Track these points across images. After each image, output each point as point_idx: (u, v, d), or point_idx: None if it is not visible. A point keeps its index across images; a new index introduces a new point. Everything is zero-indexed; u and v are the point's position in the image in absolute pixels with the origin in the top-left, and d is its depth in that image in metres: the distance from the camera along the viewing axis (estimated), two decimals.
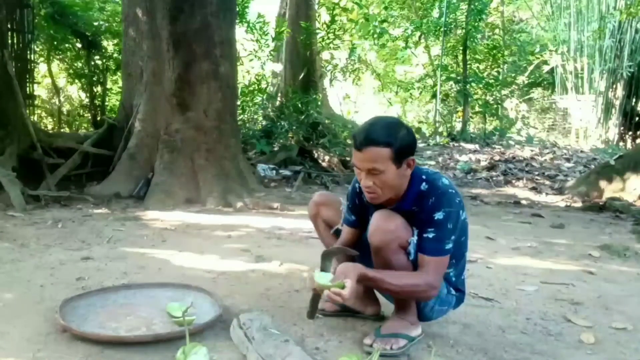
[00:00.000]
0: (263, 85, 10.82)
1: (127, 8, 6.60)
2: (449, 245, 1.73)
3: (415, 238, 1.76)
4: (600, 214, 5.60)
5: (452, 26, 12.67)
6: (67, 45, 9.52)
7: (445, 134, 12.28)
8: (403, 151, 1.69)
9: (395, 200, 1.81)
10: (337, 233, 2.09)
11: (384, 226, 1.74)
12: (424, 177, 1.79)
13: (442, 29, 12.05)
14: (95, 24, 9.17)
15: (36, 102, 8.59)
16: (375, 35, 12.65)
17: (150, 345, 1.78)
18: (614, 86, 12.30)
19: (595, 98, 12.35)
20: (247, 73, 10.90)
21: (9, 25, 6.45)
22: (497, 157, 9.42)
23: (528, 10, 15.76)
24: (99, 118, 8.89)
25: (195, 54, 5.45)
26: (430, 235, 1.72)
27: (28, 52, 7.08)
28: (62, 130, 10.08)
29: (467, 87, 12.24)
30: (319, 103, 10.84)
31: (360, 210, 1.97)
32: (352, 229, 2.00)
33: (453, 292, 1.91)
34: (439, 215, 1.71)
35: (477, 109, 13.45)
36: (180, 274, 2.71)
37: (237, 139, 6.21)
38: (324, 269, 1.77)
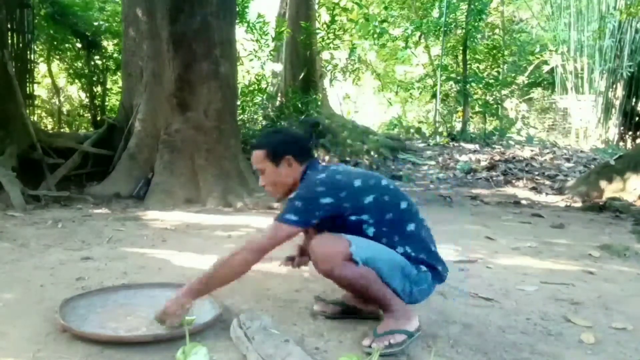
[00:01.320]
0: (263, 85, 10.82)
1: (127, 8, 6.60)
2: (289, 215, 1.84)
3: (353, 247, 1.79)
4: (600, 214, 5.60)
5: (452, 26, 12.67)
6: (67, 45, 9.53)
7: (445, 134, 12.28)
8: (277, 151, 1.99)
9: (285, 195, 2.05)
10: None
11: (320, 253, 1.82)
12: (308, 172, 2.00)
13: (442, 29, 12.05)
14: (95, 24, 9.17)
15: (36, 102, 8.59)
16: (375, 35, 12.65)
17: (150, 345, 1.78)
18: (614, 86, 12.30)
19: (595, 98, 12.34)
20: (247, 73, 10.90)
21: (9, 25, 6.46)
22: (497, 157, 9.42)
23: (528, 10, 15.76)
24: (99, 118, 8.90)
25: (195, 54, 5.46)
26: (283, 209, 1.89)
27: (28, 52, 7.08)
28: (62, 130, 10.09)
29: (467, 87, 12.23)
30: (319, 103, 10.85)
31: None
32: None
33: (424, 268, 1.91)
34: (291, 195, 1.92)
35: (477, 109, 13.45)
36: (180, 274, 2.71)
37: (237, 139, 6.21)
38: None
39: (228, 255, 1.89)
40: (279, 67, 12.05)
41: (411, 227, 1.94)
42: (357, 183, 1.90)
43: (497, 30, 15.48)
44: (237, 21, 7.69)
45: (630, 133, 12.42)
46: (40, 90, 10.89)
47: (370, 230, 1.89)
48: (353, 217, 1.88)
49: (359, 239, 1.83)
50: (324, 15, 12.88)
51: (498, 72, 14.24)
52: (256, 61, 10.88)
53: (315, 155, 8.58)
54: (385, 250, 1.86)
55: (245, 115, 10.28)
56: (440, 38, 12.39)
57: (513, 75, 15.11)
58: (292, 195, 1.92)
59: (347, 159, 8.56)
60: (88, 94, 9.45)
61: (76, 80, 10.03)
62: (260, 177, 2.07)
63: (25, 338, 1.84)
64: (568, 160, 9.39)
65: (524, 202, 6.40)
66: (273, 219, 1.92)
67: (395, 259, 1.86)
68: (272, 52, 11.10)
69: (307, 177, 1.97)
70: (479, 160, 9.30)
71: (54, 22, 8.40)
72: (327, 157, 8.42)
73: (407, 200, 1.97)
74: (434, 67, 13.42)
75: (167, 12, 5.45)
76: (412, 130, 13.68)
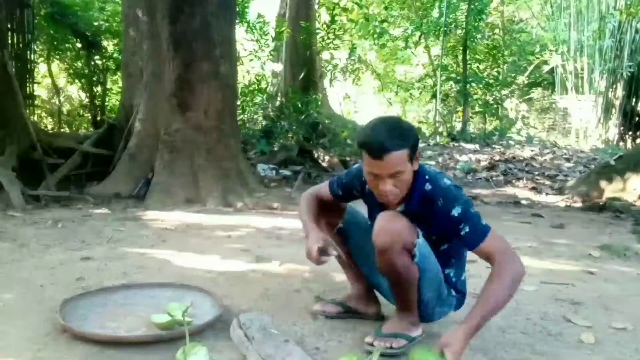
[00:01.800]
0: (263, 85, 10.83)
1: (127, 8, 6.60)
2: (484, 222, 1.69)
3: (420, 240, 1.75)
4: (600, 214, 5.60)
5: (452, 26, 12.66)
6: (67, 45, 9.54)
7: (445, 134, 12.28)
8: (415, 147, 1.70)
9: (401, 201, 1.80)
10: (340, 232, 2.09)
11: (389, 227, 1.72)
12: (427, 177, 1.78)
13: (442, 29, 12.05)
14: (95, 24, 9.17)
15: (36, 102, 8.60)
16: (375, 35, 12.66)
17: (150, 345, 1.78)
18: (614, 86, 12.29)
19: (595, 98, 12.34)
20: (247, 73, 10.90)
21: (9, 25, 6.46)
22: (497, 157, 9.41)
23: (528, 10, 15.75)
24: (99, 118, 8.90)
25: (195, 54, 5.45)
26: (467, 229, 1.68)
27: (28, 52, 7.09)
28: (62, 130, 10.09)
29: (467, 87, 12.23)
30: (319, 103, 10.84)
31: (356, 196, 1.98)
32: (332, 196, 2.01)
33: (454, 293, 1.92)
34: (457, 210, 1.68)
35: (477, 109, 13.44)
36: (180, 274, 2.71)
37: (237, 139, 6.21)
38: None
39: (500, 279, 1.61)
40: (279, 67, 12.05)
41: (466, 252, 1.93)
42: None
43: (497, 30, 15.47)
44: (237, 21, 7.68)
45: (630, 133, 12.41)
46: (40, 90, 10.89)
47: (445, 246, 1.84)
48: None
49: (424, 240, 1.78)
50: (324, 15, 12.88)
51: (498, 72, 14.23)
52: (256, 61, 10.90)
53: (316, 155, 8.49)
54: (436, 263, 1.83)
55: (245, 115, 10.28)
56: (440, 38, 12.39)
57: (513, 75, 15.10)
58: (459, 209, 1.68)
59: (347, 159, 8.56)
60: (88, 94, 9.45)
61: (76, 80, 10.04)
62: (385, 183, 1.68)
63: (25, 338, 1.84)
64: (568, 160, 9.39)
65: (524, 202, 6.40)
66: (478, 244, 1.66)
67: (438, 275, 1.85)
68: (272, 52, 11.11)
69: (434, 182, 1.74)
70: (479, 160, 9.29)
71: (54, 22, 8.41)
72: (327, 157, 8.41)
73: None
74: (434, 67, 13.42)
75: (167, 12, 5.44)
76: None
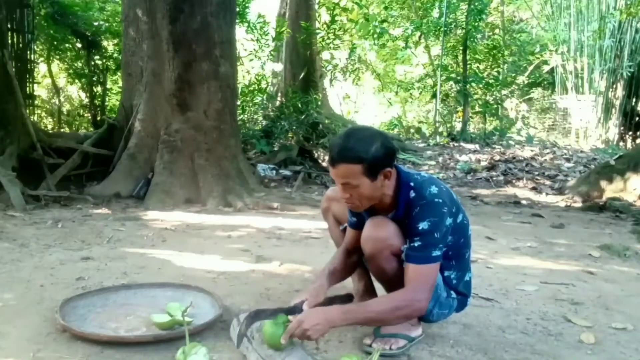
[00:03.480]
0: (263, 85, 10.83)
1: (127, 8, 6.59)
2: (437, 253, 1.70)
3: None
4: (600, 214, 5.60)
5: (452, 26, 12.67)
6: (67, 45, 9.53)
7: (445, 134, 12.28)
8: (376, 165, 1.67)
9: (390, 207, 1.81)
10: (345, 230, 2.10)
11: (375, 234, 1.75)
12: (412, 184, 1.76)
13: (442, 29, 12.05)
14: (95, 24, 9.16)
15: (36, 102, 8.59)
16: (375, 35, 12.66)
17: (150, 345, 1.78)
18: (614, 86, 12.30)
19: (595, 98, 12.34)
20: (247, 73, 10.91)
21: (9, 25, 6.45)
22: (497, 157, 9.41)
23: (528, 10, 15.76)
24: (99, 118, 8.89)
25: (195, 54, 5.45)
26: (416, 244, 1.70)
27: (28, 52, 7.08)
28: (62, 130, 10.08)
29: (467, 87, 12.23)
30: (319, 103, 10.84)
31: (359, 213, 1.97)
32: (355, 230, 1.98)
33: (454, 295, 1.91)
34: (423, 225, 1.69)
35: (477, 109, 13.44)
36: (180, 274, 2.71)
37: (237, 139, 6.21)
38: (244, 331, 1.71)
39: (398, 299, 1.70)
40: (279, 67, 12.05)
41: (468, 254, 1.93)
42: (457, 198, 1.84)
43: (497, 30, 15.47)
44: (237, 21, 7.68)
45: (630, 133, 12.42)
46: (40, 90, 10.89)
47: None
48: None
49: None
50: (324, 15, 12.88)
51: (498, 72, 14.23)
52: (256, 61, 10.89)
53: (316, 155, 8.48)
54: None
55: (245, 115, 10.28)
56: (440, 38, 12.39)
57: (513, 75, 15.10)
58: (426, 225, 1.69)
59: None
60: (88, 94, 9.44)
61: (76, 80, 10.03)
62: (341, 190, 1.74)
63: (25, 338, 1.84)
64: (568, 160, 9.39)
65: (524, 202, 6.40)
66: (411, 262, 1.70)
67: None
68: (272, 52, 11.11)
69: (418, 191, 1.74)
70: (479, 160, 9.30)
71: (54, 22, 8.40)
72: (327, 157, 8.41)
73: (469, 223, 1.92)
74: (434, 67, 13.42)
75: (167, 12, 5.44)
76: (412, 130, 13.69)
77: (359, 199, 1.74)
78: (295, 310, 1.77)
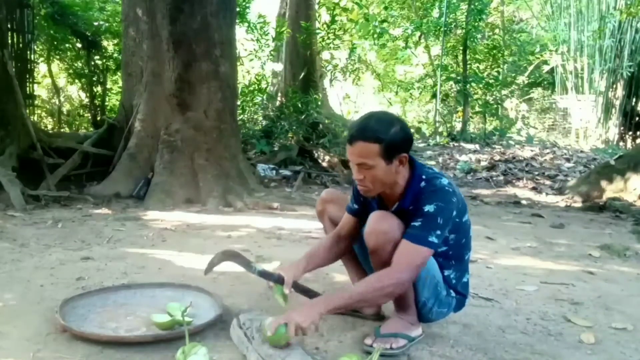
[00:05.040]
0: (263, 85, 10.83)
1: (127, 8, 6.59)
2: (433, 239, 1.69)
3: None
4: (600, 214, 5.60)
5: (452, 26, 12.67)
6: (67, 45, 9.52)
7: (445, 134, 12.28)
8: (393, 147, 1.69)
9: (397, 198, 1.82)
10: None
11: (379, 228, 1.76)
12: (424, 176, 1.79)
13: (442, 29, 12.05)
14: (95, 24, 9.16)
15: (36, 102, 8.59)
16: (375, 35, 12.66)
17: (150, 345, 1.78)
18: (614, 86, 12.30)
19: (595, 98, 12.34)
20: (247, 73, 10.91)
21: (9, 25, 6.45)
22: (497, 157, 9.41)
23: (528, 10, 15.76)
24: (99, 118, 8.89)
25: (195, 54, 5.45)
26: (417, 224, 1.70)
27: (28, 52, 7.08)
28: (62, 130, 10.08)
29: (467, 87, 12.23)
30: (319, 103, 10.84)
31: (364, 201, 1.98)
32: (353, 217, 2.01)
33: (453, 294, 1.91)
34: (429, 208, 1.70)
35: (477, 109, 13.45)
36: (180, 274, 2.71)
37: (237, 139, 6.21)
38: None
39: (383, 279, 1.69)
40: (279, 67, 12.06)
41: (467, 256, 1.94)
42: (463, 199, 1.84)
43: (497, 30, 15.47)
44: (237, 21, 7.68)
45: (630, 133, 12.42)
46: (40, 90, 10.88)
47: (443, 247, 1.84)
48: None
49: None
50: (324, 15, 12.88)
51: (498, 72, 14.24)
52: (256, 61, 10.90)
53: (316, 155, 8.48)
54: (433, 263, 1.82)
55: (245, 115, 10.28)
56: (440, 38, 12.39)
57: (513, 75, 15.11)
58: (432, 208, 1.69)
59: (347, 159, 8.55)
60: (88, 94, 9.44)
61: (76, 80, 10.02)
62: (356, 170, 1.75)
63: (25, 338, 1.84)
64: (568, 160, 9.39)
65: (524, 202, 6.40)
66: (405, 238, 1.70)
67: (435, 275, 1.84)
68: (272, 52, 11.11)
69: (429, 181, 1.76)
70: (479, 160, 9.30)
71: (54, 22, 8.39)
72: (327, 157, 8.41)
73: (471, 225, 1.93)
74: (434, 67, 13.42)
75: (167, 12, 5.44)
76: (412, 130, 13.66)
77: (372, 182, 1.74)
78: (267, 276, 1.92)
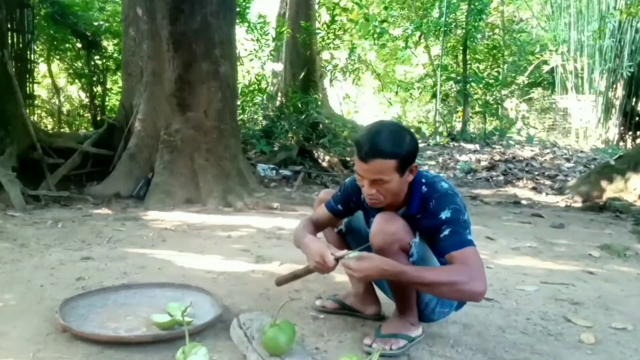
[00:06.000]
0: (263, 85, 10.83)
1: (127, 8, 6.59)
2: (470, 237, 1.67)
3: (417, 239, 1.75)
4: (600, 214, 5.60)
5: (452, 26, 12.68)
6: (67, 45, 9.51)
7: (445, 134, 12.28)
8: (408, 161, 1.69)
9: (400, 205, 1.82)
10: (341, 232, 2.10)
11: (386, 228, 1.75)
12: (423, 180, 1.79)
13: (442, 29, 12.06)
14: (95, 24, 9.16)
15: (36, 102, 8.59)
16: (375, 35, 12.67)
17: (150, 345, 1.78)
18: (614, 86, 12.30)
19: (595, 98, 12.35)
20: (247, 73, 10.91)
21: (9, 25, 6.45)
22: (497, 157, 9.42)
23: (528, 10, 15.76)
24: (99, 118, 8.88)
25: (195, 54, 5.46)
26: (447, 232, 1.67)
27: (28, 52, 7.08)
28: (62, 130, 10.07)
29: (467, 87, 12.24)
30: (319, 103, 10.85)
31: (354, 207, 1.99)
32: (332, 215, 2.02)
33: None
34: (446, 214, 1.68)
35: (477, 109, 13.46)
36: (180, 274, 2.71)
37: (237, 139, 6.21)
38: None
39: (457, 273, 1.58)
40: (279, 67, 12.06)
41: None
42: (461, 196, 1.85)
43: (497, 30, 15.48)
44: (237, 21, 7.68)
45: (630, 133, 12.42)
46: (40, 90, 10.88)
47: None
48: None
49: (421, 240, 1.77)
50: (324, 15, 12.90)
51: (498, 72, 14.24)
52: (256, 61, 10.90)
53: (316, 155, 8.48)
54: (436, 263, 1.81)
55: (245, 115, 10.28)
56: (440, 38, 12.40)
57: (513, 75, 15.12)
58: (448, 213, 1.67)
59: (347, 158, 8.56)
60: (88, 94, 9.43)
61: (76, 80, 10.01)
62: (368, 186, 1.71)
63: (25, 338, 1.84)
64: (568, 160, 9.39)
65: (524, 202, 6.40)
66: (451, 251, 1.63)
67: None
68: (272, 52, 11.12)
69: (430, 186, 1.75)
70: (479, 160, 9.30)
71: (54, 22, 8.39)
72: (327, 157, 8.41)
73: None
74: (434, 67, 13.43)
75: (167, 12, 5.44)
76: (412, 131, 13.66)
77: (384, 195, 1.73)
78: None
